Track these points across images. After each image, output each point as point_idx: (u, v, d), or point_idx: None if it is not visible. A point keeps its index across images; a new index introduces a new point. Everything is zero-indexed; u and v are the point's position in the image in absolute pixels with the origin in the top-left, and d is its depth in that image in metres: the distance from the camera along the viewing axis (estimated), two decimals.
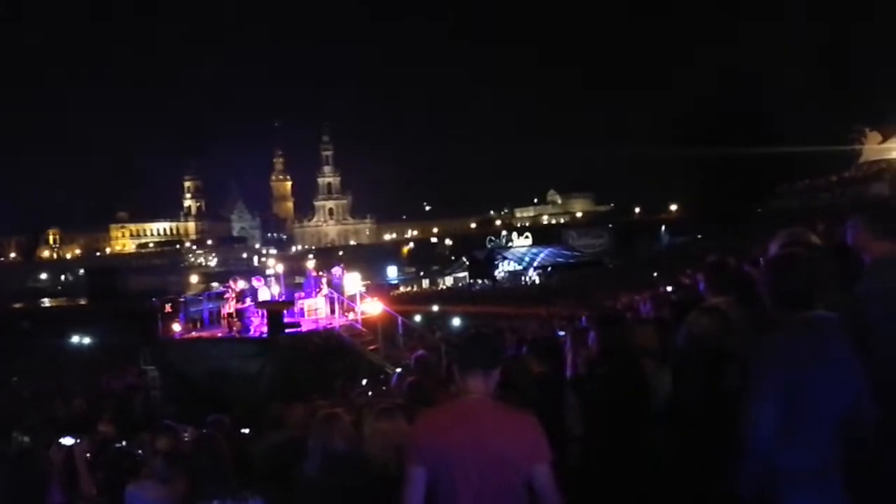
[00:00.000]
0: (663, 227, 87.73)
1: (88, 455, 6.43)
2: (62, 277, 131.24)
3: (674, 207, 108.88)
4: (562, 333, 12.22)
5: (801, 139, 60.67)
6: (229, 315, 21.38)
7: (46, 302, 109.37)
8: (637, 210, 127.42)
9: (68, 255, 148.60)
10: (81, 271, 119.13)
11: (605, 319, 6.09)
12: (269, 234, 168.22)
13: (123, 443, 8.94)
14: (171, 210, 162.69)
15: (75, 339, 47.79)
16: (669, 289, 17.10)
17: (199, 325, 23.19)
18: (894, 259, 3.86)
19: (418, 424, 3.84)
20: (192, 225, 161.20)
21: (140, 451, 7.52)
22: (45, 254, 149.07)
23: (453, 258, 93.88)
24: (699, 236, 65.86)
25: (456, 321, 28.83)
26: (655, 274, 39.35)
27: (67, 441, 5.31)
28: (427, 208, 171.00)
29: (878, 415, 3.32)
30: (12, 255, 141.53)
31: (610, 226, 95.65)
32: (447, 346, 19.51)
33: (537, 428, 3.64)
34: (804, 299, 3.40)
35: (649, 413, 5.22)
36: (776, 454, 3.26)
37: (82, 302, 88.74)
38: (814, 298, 3.40)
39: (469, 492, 3.52)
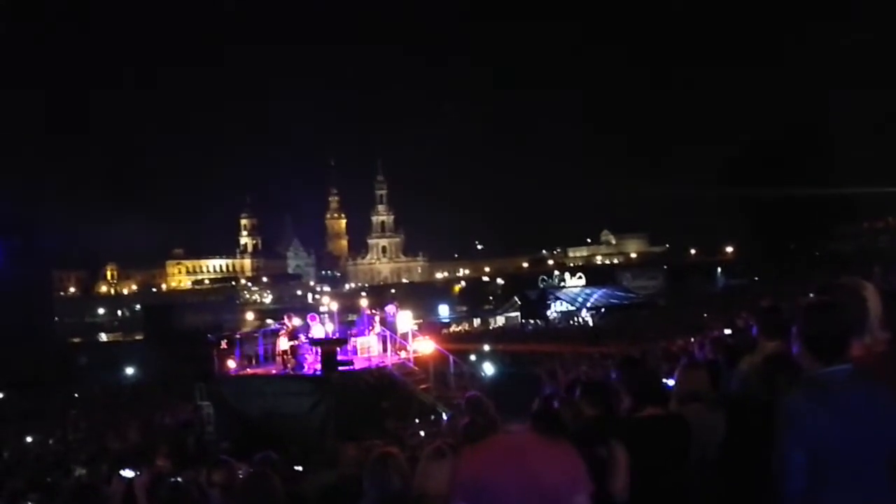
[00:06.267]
0: (719, 269, 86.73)
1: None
2: (119, 313, 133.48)
3: (730, 249, 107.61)
4: (614, 375, 12.14)
5: (862, 180, 59.56)
6: (283, 352, 21.52)
7: (103, 336, 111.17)
8: (692, 251, 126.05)
9: (125, 291, 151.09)
10: (138, 307, 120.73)
11: (625, 362, 6.12)
12: (323, 272, 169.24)
13: (178, 478, 9.05)
14: (227, 247, 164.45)
15: (130, 373, 48.46)
16: (727, 332, 16.90)
17: (254, 362, 23.30)
18: None
19: (461, 461, 3.91)
20: (247, 262, 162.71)
21: (194, 486, 7.61)
22: (103, 289, 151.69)
23: (499, 298, 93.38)
24: (755, 279, 64.99)
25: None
26: (706, 315, 38.92)
27: (128, 474, 5.41)
28: (479, 247, 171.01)
29: None
30: (71, 289, 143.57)
31: (665, 267, 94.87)
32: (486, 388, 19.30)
33: (577, 458, 3.69)
34: (834, 350, 3.34)
35: (691, 458, 5.15)
36: (816, 498, 3.22)
37: (138, 337, 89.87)
38: (844, 348, 3.35)
39: None
